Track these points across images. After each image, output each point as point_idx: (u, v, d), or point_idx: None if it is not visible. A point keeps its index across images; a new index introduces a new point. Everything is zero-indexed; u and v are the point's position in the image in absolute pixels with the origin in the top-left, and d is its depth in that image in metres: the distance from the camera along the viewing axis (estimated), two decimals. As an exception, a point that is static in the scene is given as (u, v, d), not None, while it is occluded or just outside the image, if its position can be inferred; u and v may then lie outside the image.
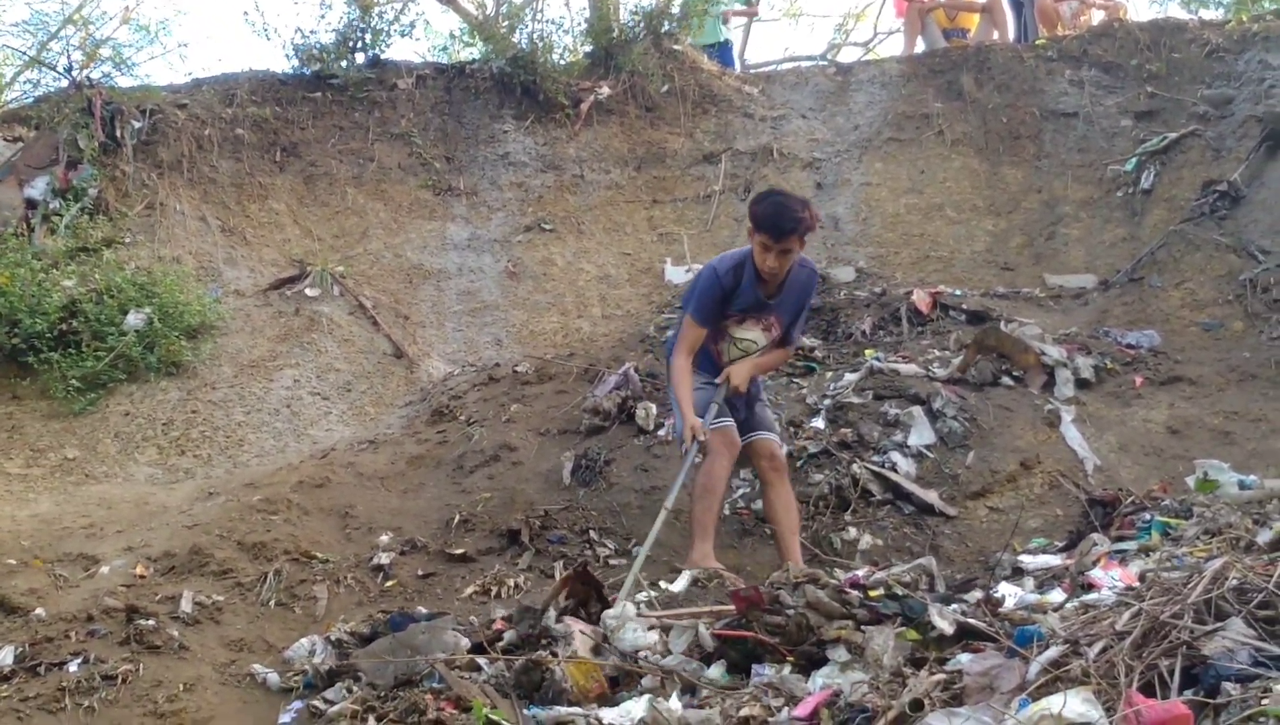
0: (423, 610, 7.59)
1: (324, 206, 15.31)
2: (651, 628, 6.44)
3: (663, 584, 7.78)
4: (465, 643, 6.57)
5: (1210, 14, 19.24)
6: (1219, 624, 4.63)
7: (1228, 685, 4.22)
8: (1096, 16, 17.91)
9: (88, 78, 15.70)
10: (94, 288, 12.54)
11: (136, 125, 14.96)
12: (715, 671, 6.00)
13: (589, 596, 6.89)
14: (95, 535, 9.19)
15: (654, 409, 10.44)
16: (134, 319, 12.31)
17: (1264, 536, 6.40)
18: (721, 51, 18.84)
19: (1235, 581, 4.93)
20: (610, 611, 6.52)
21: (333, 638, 7.24)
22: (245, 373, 12.52)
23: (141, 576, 8.17)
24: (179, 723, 6.63)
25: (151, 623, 7.35)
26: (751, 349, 8.40)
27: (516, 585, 8.32)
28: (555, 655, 5.99)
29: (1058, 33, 17.65)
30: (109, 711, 6.55)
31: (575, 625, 6.36)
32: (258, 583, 8.25)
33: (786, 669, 5.76)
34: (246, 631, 7.72)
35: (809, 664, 5.79)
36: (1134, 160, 15.20)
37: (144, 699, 6.70)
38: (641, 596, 7.22)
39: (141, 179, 14.50)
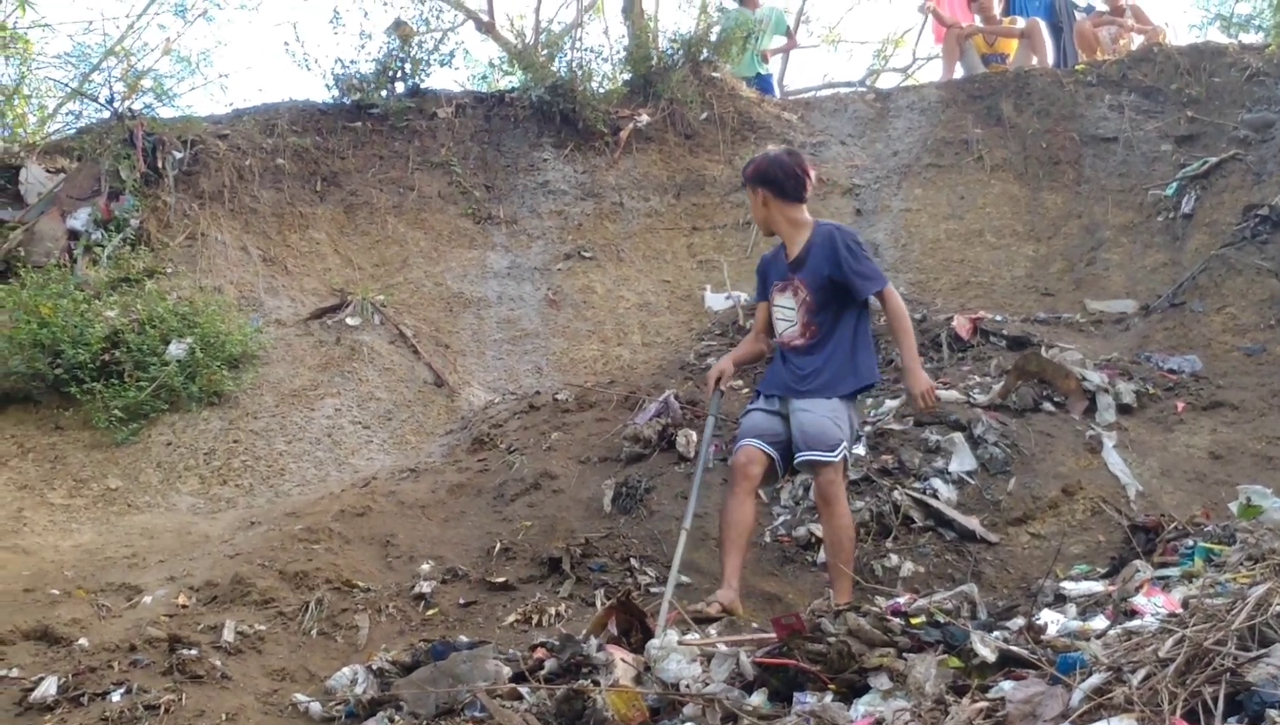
0: (464, 639, 7.58)
1: (364, 235, 15.35)
2: (694, 658, 6.43)
3: (701, 605, 7.80)
4: (506, 671, 6.57)
5: (1250, 38, 19.19)
6: (1263, 650, 4.60)
7: (1272, 712, 4.20)
8: (1136, 41, 17.90)
9: (129, 109, 15.78)
10: (136, 318, 12.58)
11: (178, 156, 15.04)
12: (757, 699, 5.99)
13: (632, 625, 6.89)
14: (138, 565, 9.21)
15: (694, 436, 10.41)
16: (176, 349, 12.36)
17: (1308, 562, 6.38)
18: (761, 82, 18.85)
19: (1279, 608, 4.91)
20: (654, 641, 6.51)
21: (374, 667, 7.24)
22: (286, 402, 12.55)
23: (184, 606, 8.19)
24: (221, 752, 6.65)
25: (194, 652, 7.35)
26: (789, 316, 8.39)
27: (558, 613, 8.32)
28: (597, 684, 5.99)
29: (1097, 57, 17.65)
30: (152, 741, 6.57)
31: (617, 653, 6.36)
32: (299, 612, 8.25)
33: (828, 697, 5.75)
34: (288, 661, 7.73)
35: (851, 692, 5.77)
36: (1174, 185, 15.17)
37: (186, 729, 6.71)
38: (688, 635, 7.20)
39: (183, 209, 14.57)
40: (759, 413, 8.42)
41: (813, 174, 8.41)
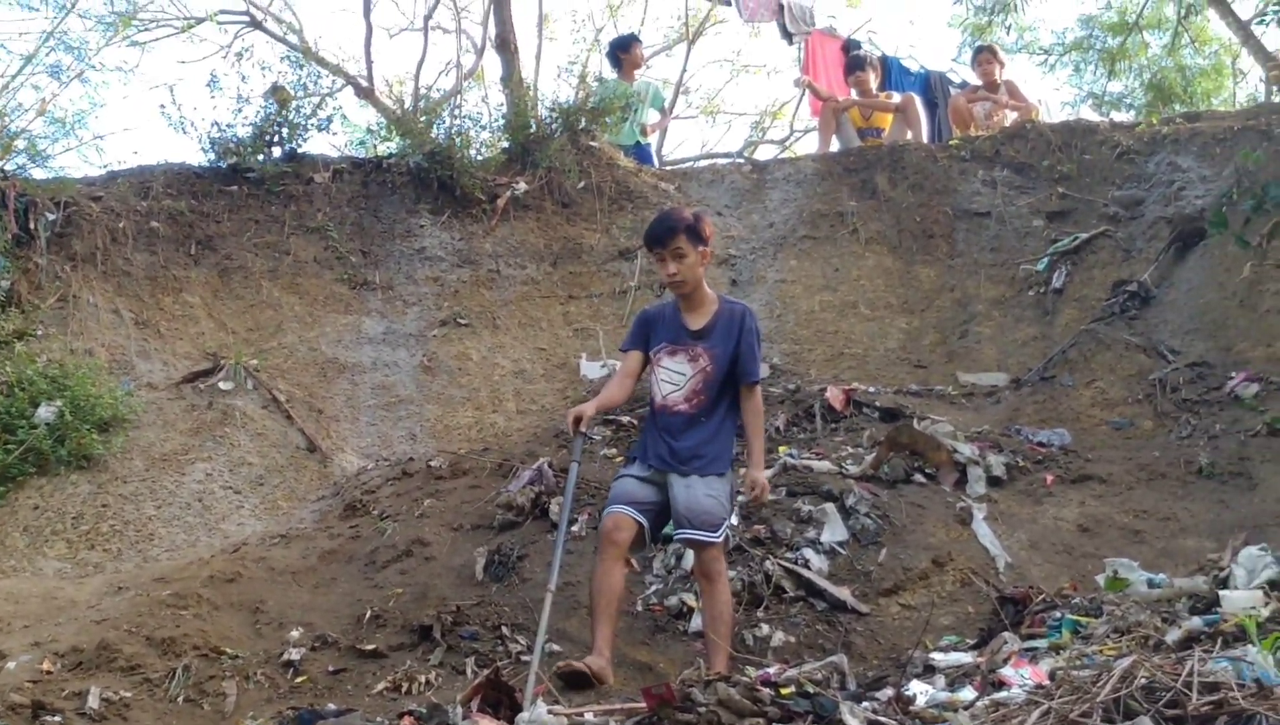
0: (331, 707, 7.53)
1: (239, 300, 15.25)
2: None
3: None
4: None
5: (1121, 116, 19.54)
6: (1128, 723, 4.65)
7: (1135, 785, 4.25)
8: (1009, 117, 18.11)
9: (1, 170, 15.61)
10: (4, 380, 12.45)
11: (50, 217, 14.88)
12: (626, 769, 5.99)
13: (501, 700, 6.86)
14: (2, 630, 9.07)
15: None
16: (45, 412, 12.23)
17: (1173, 635, 6.45)
18: (641, 153, 18.91)
19: (1144, 680, 4.96)
20: (522, 715, 6.50)
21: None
22: (157, 466, 12.44)
23: (48, 672, 8.07)
24: (84, 821, 6.57)
25: (58, 719, 7.27)
26: (677, 380, 8.44)
27: (428, 682, 8.27)
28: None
29: (971, 133, 17.83)
30: (13, 810, 6.47)
31: (483, 722, 6.33)
32: (166, 679, 8.16)
33: (698, 767, 5.75)
34: (154, 728, 7.66)
35: (720, 762, 5.78)
36: (1045, 260, 15.35)
37: (49, 797, 6.63)
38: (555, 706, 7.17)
39: (55, 271, 14.42)
40: (631, 479, 8.43)
41: (707, 226, 8.55)
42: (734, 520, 10.00)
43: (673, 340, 8.48)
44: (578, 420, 8.51)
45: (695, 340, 8.41)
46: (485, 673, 7.24)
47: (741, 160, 22.70)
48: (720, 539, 8.14)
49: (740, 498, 9.05)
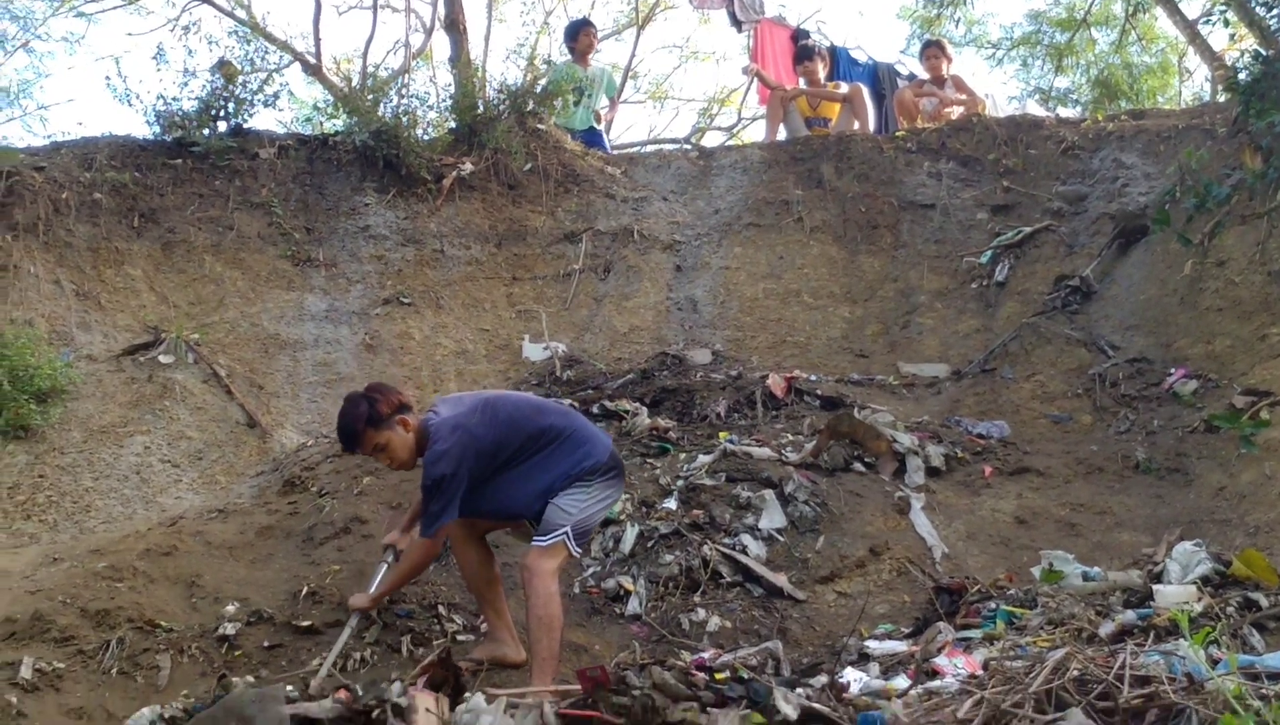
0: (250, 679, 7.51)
1: (181, 273, 15.15)
2: (506, 710, 6.42)
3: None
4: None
5: (1067, 112, 19.61)
6: (1059, 714, 4.68)
7: (1065, 775, 4.27)
8: (956, 111, 18.15)
9: (-57, 138, 15.50)
10: (-57, 349, 12.37)
11: (-9, 186, 14.79)
12: (559, 751, 5.99)
13: (446, 680, 6.86)
14: (-65, 599, 9.03)
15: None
16: (-18, 381, 12.16)
17: (1106, 628, 6.50)
18: (593, 137, 18.87)
19: (1077, 672, 4.99)
20: (462, 706, 6.50)
21: (166, 714, 7.14)
22: (95, 438, 12.36)
23: (-19, 642, 8.05)
24: (14, 792, 6.54)
25: (-11, 688, 7.24)
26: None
27: (363, 659, 8.28)
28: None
29: (917, 125, 17.87)
30: (-58, 780, 6.44)
31: (420, 697, 6.31)
32: (100, 650, 8.12)
33: (631, 751, 5.76)
34: (87, 700, 7.62)
35: (654, 746, 5.79)
36: (989, 253, 15.40)
37: (-22, 767, 6.59)
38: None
39: (-5, 240, 14.33)
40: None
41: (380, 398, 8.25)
42: (671, 503, 10.12)
43: None
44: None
45: None
46: (436, 652, 7.23)
47: (688, 146, 22.72)
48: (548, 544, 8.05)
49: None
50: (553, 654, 7.72)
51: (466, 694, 6.65)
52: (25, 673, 7.59)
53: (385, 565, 8.50)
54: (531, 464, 8.08)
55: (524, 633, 8.22)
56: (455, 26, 20.13)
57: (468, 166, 16.79)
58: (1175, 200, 12.88)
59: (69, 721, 7.33)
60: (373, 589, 8.27)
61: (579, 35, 19.19)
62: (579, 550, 8.12)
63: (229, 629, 8.60)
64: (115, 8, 27.13)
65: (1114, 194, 15.31)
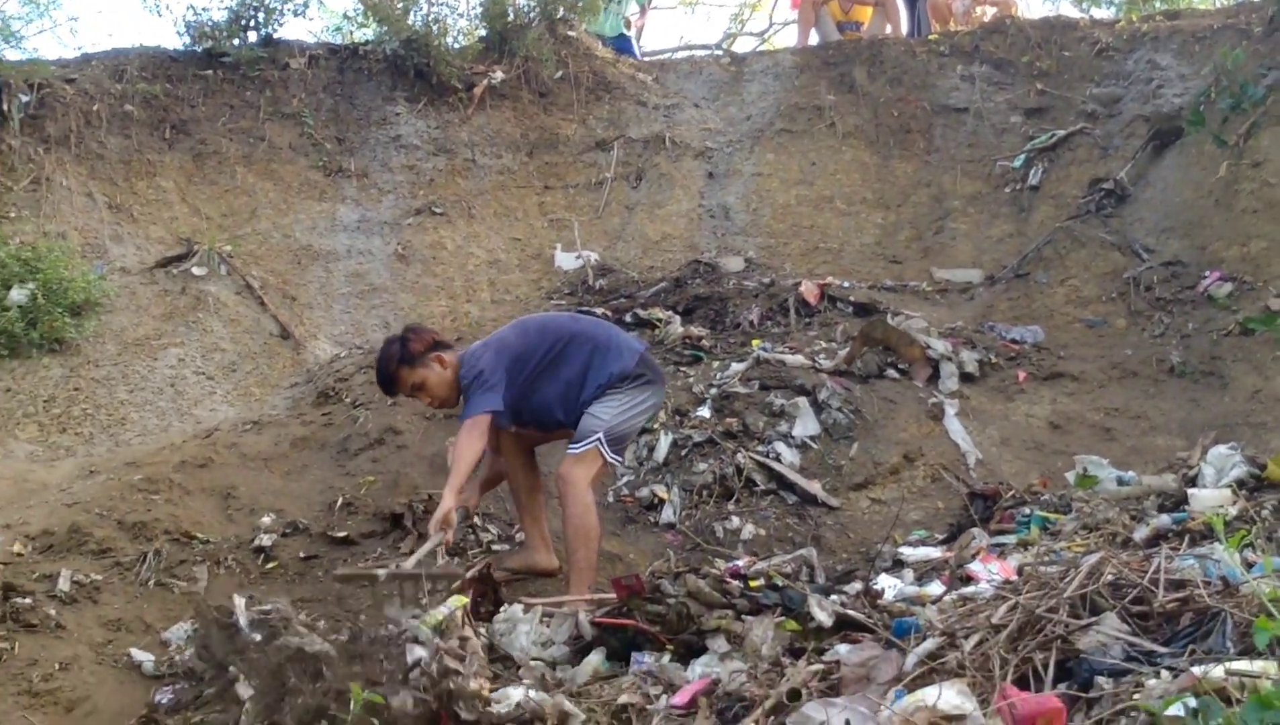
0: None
1: (213, 185, 15.14)
2: (542, 619, 6.46)
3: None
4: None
5: (1101, 13, 19.37)
6: (1094, 619, 4.68)
7: (1101, 680, 4.27)
8: (989, 13, 17.99)
9: (-26, 51, 15.47)
10: (-23, 262, 12.39)
11: (24, 99, 14.74)
12: (595, 659, 6.02)
13: (485, 594, 6.88)
14: (-28, 512, 9.08)
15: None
16: (17, 294, 12.16)
17: (1140, 533, 6.49)
18: (623, 43, 18.76)
19: (1111, 577, 4.99)
20: (499, 616, 6.53)
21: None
22: (129, 351, 12.38)
23: (19, 554, 8.07)
24: (54, 701, 6.59)
25: (28, 601, 7.28)
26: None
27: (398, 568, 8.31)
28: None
29: (950, 28, 17.73)
30: (-17, 690, 6.49)
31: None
32: (137, 562, 8.18)
33: (666, 657, 5.79)
34: (124, 611, 7.67)
35: (688, 653, 5.82)
36: (1023, 157, 15.31)
37: (18, 678, 6.65)
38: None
39: (28, 153, 14.30)
40: None
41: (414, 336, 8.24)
42: (704, 412, 10.11)
43: None
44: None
45: None
46: (479, 567, 7.23)
47: (720, 52, 22.51)
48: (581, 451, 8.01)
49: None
50: (590, 564, 7.75)
51: (504, 606, 6.68)
52: (63, 585, 7.63)
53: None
54: (563, 370, 8.07)
55: (559, 543, 8.26)
56: (486, -69, 19.99)
57: (498, 75, 16.73)
58: (1210, 101, 12.79)
59: (107, 633, 7.37)
60: (439, 509, 8.17)
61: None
62: (615, 458, 8.11)
63: (265, 540, 8.65)
64: (148, -86, 27.02)
65: (1148, 96, 15.19)
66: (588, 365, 8.05)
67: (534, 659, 6.26)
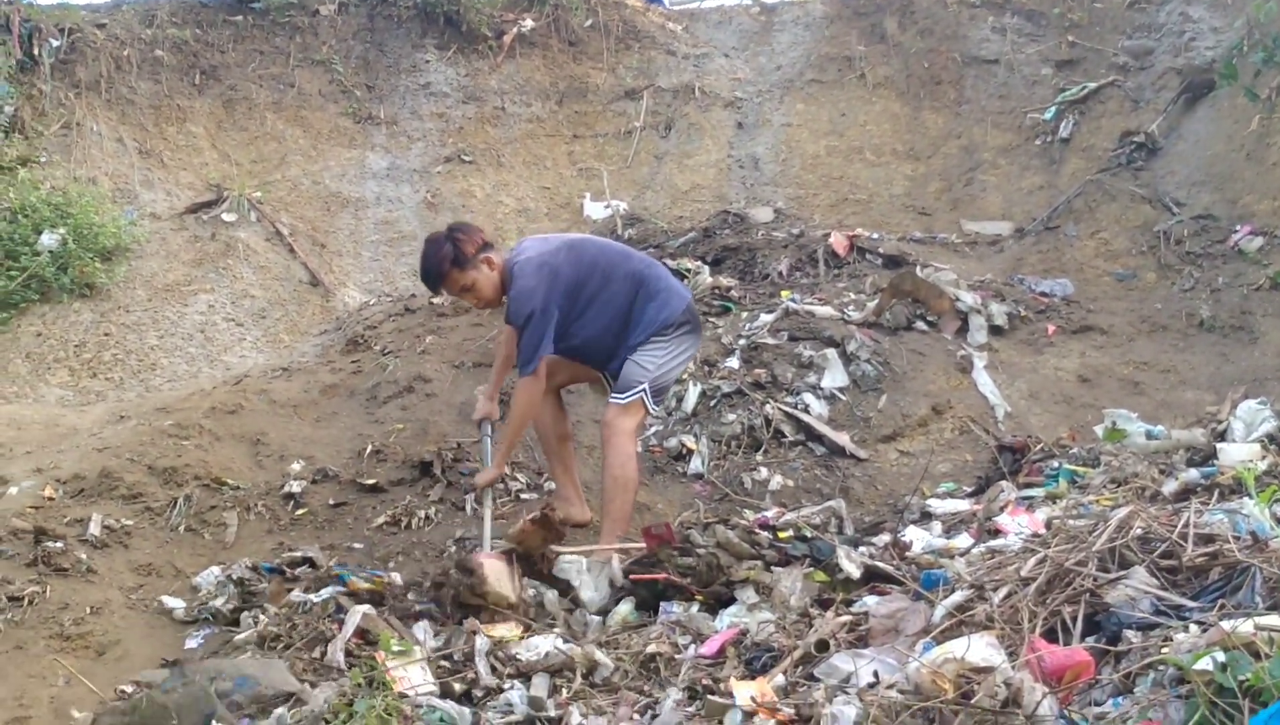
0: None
1: (243, 131, 15.17)
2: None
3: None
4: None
5: (1134, -35, 19.31)
6: (1122, 572, 4.68)
7: (1129, 633, 4.28)
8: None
9: (6, -5, 15.47)
10: (7, 206, 12.42)
11: (55, 44, 14.78)
12: (624, 609, 6.05)
13: (547, 539, 6.86)
14: (4, 456, 9.09)
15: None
16: (48, 239, 12.20)
17: (1169, 487, 6.48)
18: (653, -8, 18.76)
19: (1139, 531, 4.99)
20: (565, 559, 6.57)
21: (234, 575, 7.22)
22: (159, 296, 12.42)
23: (50, 498, 8.09)
24: (85, 645, 6.61)
25: (59, 545, 7.31)
26: None
27: (427, 517, 8.32)
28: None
29: (982, -22, 17.68)
30: (14, 633, 6.51)
31: (491, 566, 6.36)
32: (167, 508, 8.20)
33: (694, 607, 5.81)
34: (155, 556, 7.69)
35: (717, 603, 5.84)
36: (1053, 109, 15.28)
37: (50, 621, 6.66)
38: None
39: (59, 98, 14.35)
40: None
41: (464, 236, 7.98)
42: (733, 363, 10.11)
43: None
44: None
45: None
46: (537, 512, 7.22)
47: (750, 2, 22.47)
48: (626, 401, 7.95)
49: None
50: (625, 514, 7.73)
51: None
52: (94, 529, 7.66)
53: (487, 439, 8.33)
54: (610, 307, 8.00)
55: (589, 491, 8.27)
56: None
57: (528, 23, 16.72)
58: (1243, 54, 12.73)
59: (137, 577, 7.40)
60: (489, 460, 8.14)
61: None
62: (657, 408, 8.09)
63: (295, 487, 8.66)
64: None
65: (1180, 48, 15.13)
66: (634, 304, 7.99)
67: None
